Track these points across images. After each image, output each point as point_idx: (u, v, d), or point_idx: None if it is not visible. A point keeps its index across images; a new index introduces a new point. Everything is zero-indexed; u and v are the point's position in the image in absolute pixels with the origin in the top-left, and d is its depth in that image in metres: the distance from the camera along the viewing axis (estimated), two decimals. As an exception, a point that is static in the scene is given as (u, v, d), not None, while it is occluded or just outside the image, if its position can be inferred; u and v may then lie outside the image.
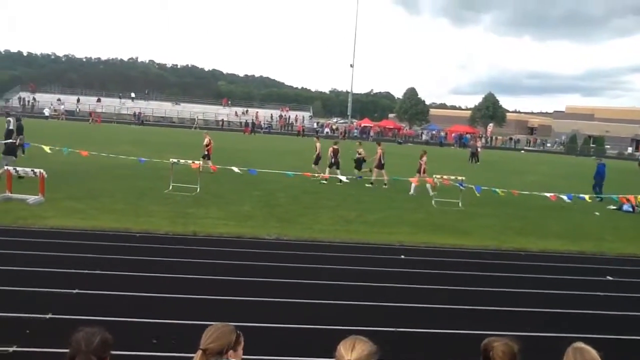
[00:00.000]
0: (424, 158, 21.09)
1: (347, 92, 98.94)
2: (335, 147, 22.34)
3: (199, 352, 2.70)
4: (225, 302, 7.52)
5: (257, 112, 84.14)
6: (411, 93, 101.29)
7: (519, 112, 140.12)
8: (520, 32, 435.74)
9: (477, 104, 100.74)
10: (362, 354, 2.50)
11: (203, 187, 16.84)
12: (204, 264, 9.29)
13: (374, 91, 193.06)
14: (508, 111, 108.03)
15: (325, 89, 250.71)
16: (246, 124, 70.66)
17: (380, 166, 21.66)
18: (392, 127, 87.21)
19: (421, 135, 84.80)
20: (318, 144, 23.42)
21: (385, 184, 21.24)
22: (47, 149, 15.65)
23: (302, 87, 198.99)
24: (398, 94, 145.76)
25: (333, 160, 22.05)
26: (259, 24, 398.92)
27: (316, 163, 22.96)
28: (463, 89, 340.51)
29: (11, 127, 25.26)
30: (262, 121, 77.58)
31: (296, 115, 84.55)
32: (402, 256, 10.88)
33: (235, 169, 17.37)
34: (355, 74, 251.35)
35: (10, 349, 5.55)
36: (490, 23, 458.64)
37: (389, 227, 13.49)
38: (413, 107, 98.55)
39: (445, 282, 9.26)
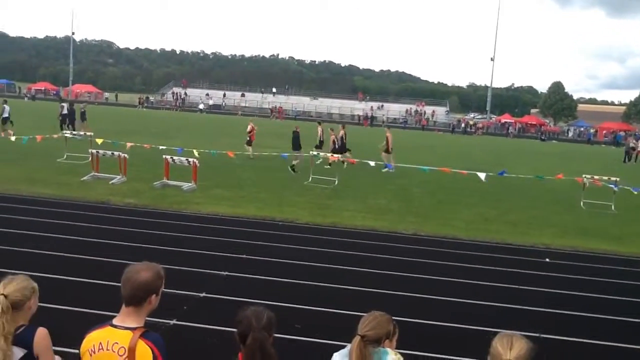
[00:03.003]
0: None
1: (486, 87, 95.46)
2: (343, 131, 22.71)
3: (357, 338, 2.73)
4: (360, 293, 7.61)
5: (382, 105, 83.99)
6: (557, 87, 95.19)
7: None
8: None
9: (633, 99, 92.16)
10: (521, 352, 2.39)
11: (341, 180, 17.16)
12: (342, 255, 9.48)
13: (515, 85, 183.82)
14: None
15: (463, 83, 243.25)
16: (365, 117, 72.59)
17: (334, 150, 21.84)
18: (534, 123, 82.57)
19: (567, 132, 79.45)
20: (320, 129, 23.85)
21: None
22: (196, 152, 16.77)
23: (439, 82, 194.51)
24: (542, 88, 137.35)
25: (338, 145, 22.17)
26: (396, 19, 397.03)
27: (319, 147, 23.18)
28: (617, 83, 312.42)
29: (65, 112, 28.01)
30: (384, 115, 77.36)
31: (433, 111, 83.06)
32: (547, 259, 10.31)
33: (371, 163, 17.48)
34: (496, 68, 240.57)
35: (171, 322, 6.07)
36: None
37: (532, 228, 12.83)
38: (558, 102, 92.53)
39: (593, 289, 8.60)
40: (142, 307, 2.67)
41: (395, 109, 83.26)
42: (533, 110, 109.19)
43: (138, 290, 2.63)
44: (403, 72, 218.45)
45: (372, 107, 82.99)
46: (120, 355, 2.56)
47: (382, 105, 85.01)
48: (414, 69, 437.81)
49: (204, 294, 7.06)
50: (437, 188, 18.02)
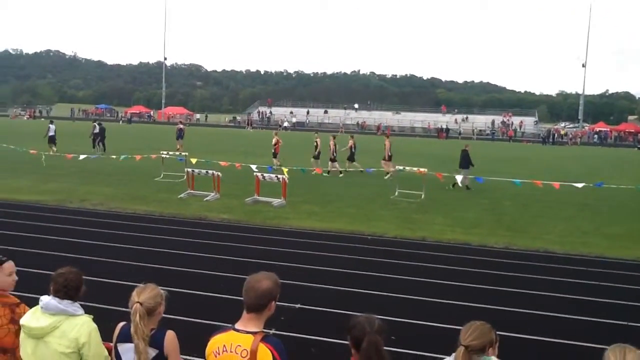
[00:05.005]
0: None
1: (578, 94, 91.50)
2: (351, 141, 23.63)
3: (462, 349, 2.79)
4: (452, 306, 7.58)
5: (467, 117, 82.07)
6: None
7: None
8: None
9: None
10: None
11: (427, 193, 17.06)
12: (432, 269, 9.47)
13: (610, 91, 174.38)
14: None
15: (552, 91, 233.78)
16: (441, 129, 71.88)
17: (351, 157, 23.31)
18: (632, 131, 77.97)
19: (669, 140, 74.34)
20: (318, 140, 24.29)
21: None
22: (285, 170, 17.38)
23: (526, 91, 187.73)
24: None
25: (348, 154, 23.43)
26: (479, 28, 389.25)
27: (317, 158, 24.01)
28: None
29: (96, 131, 29.61)
30: (458, 127, 75.68)
31: (520, 121, 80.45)
32: (651, 274, 9.78)
33: (458, 178, 17.28)
34: (588, 74, 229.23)
35: (270, 332, 6.32)
36: None
37: (634, 242, 12.18)
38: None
39: None
40: (262, 313, 2.90)
41: (480, 121, 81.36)
42: (631, 117, 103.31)
43: (261, 298, 2.87)
44: (488, 82, 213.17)
45: (456, 119, 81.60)
46: (243, 357, 2.78)
47: (467, 117, 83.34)
48: (499, 79, 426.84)
49: (299, 305, 7.29)
50: (529, 201, 17.49)
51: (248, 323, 2.89)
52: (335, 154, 23.15)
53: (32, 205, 13.95)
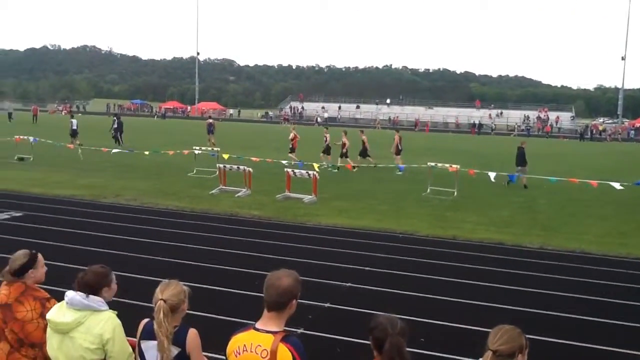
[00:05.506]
0: None
1: (617, 88, 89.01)
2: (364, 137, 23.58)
3: (489, 353, 2.71)
4: (485, 308, 7.43)
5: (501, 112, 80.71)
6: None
7: None
8: None
9: None
10: None
11: (459, 191, 16.81)
12: (464, 268, 9.31)
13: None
14: None
15: (590, 85, 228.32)
16: (472, 124, 71.06)
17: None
18: (676, 126, 75.53)
19: None
20: (328, 135, 24.18)
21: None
22: (316, 166, 17.37)
23: (562, 85, 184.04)
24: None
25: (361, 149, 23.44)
26: (513, 21, 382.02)
27: (327, 153, 23.82)
28: None
29: (115, 126, 30.21)
30: (491, 122, 74.50)
31: (557, 117, 78.73)
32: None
33: (491, 176, 16.90)
34: (628, 67, 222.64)
35: (298, 331, 6.29)
36: None
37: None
38: None
39: None
40: (283, 312, 2.87)
41: (515, 116, 79.87)
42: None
43: (282, 296, 2.83)
44: (523, 76, 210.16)
45: (490, 114, 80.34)
46: (263, 358, 2.75)
47: (502, 113, 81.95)
48: (534, 73, 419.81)
49: (328, 304, 7.25)
50: (565, 200, 17.06)
51: (268, 322, 2.85)
52: (346, 150, 22.95)
53: (69, 200, 14.24)
